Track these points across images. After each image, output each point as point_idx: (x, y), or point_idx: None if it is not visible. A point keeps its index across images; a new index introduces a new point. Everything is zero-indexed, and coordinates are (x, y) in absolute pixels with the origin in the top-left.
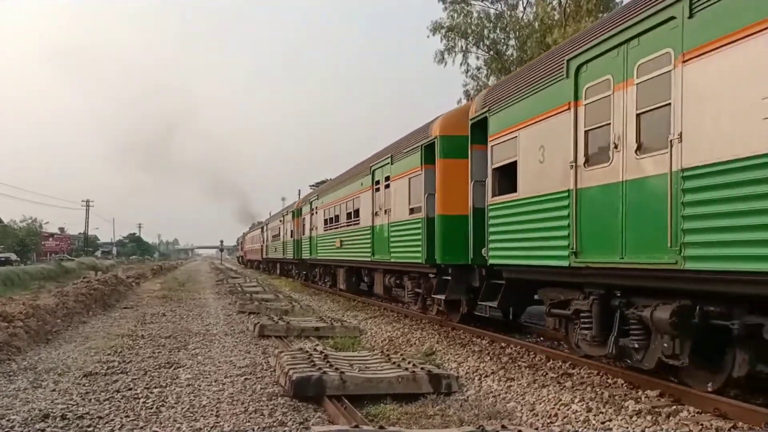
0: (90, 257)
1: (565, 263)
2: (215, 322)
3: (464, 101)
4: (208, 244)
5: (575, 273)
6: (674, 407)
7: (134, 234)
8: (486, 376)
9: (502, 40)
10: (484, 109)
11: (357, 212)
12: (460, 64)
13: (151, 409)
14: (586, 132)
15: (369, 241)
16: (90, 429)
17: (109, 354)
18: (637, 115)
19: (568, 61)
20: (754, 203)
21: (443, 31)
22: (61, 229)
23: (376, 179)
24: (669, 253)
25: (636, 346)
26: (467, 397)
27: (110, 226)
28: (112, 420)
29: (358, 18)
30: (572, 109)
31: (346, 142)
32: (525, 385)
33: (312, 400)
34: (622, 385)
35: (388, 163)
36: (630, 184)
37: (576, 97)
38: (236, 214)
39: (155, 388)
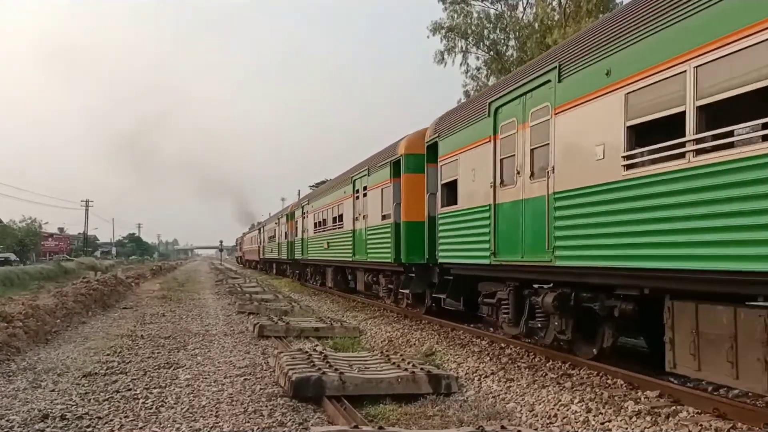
0: (89, 257)
1: (487, 261)
2: (215, 322)
3: (464, 101)
4: (207, 244)
5: (494, 269)
6: (674, 408)
7: (134, 234)
8: (485, 376)
9: (502, 41)
10: (436, 135)
11: (341, 217)
12: (460, 65)
13: (151, 409)
14: (501, 160)
15: (351, 243)
16: (89, 429)
17: (108, 354)
18: (531, 150)
19: (489, 103)
20: (592, 219)
21: (443, 31)
22: (61, 230)
23: (356, 188)
24: (547, 254)
25: (539, 326)
26: (467, 398)
27: (110, 227)
28: (112, 420)
29: (358, 17)
30: (492, 142)
31: (347, 142)
32: (524, 385)
33: (311, 401)
34: (621, 385)
35: (366, 174)
36: (527, 201)
37: (495, 132)
38: (236, 214)
39: (155, 388)
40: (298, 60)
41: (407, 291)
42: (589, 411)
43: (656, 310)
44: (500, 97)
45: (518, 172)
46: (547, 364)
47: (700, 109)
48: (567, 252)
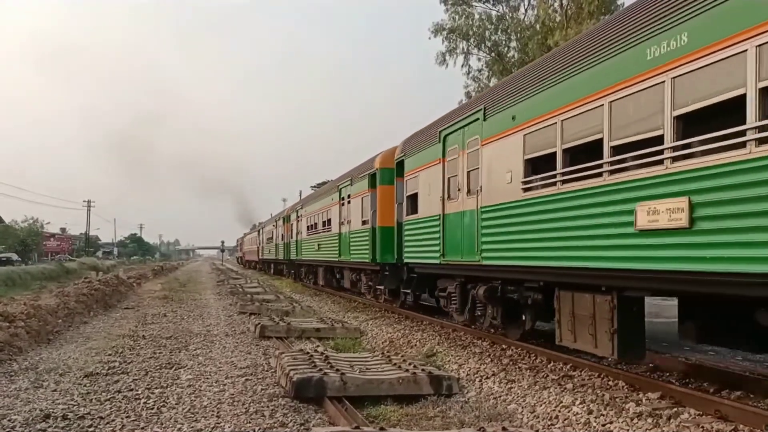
0: (91, 257)
1: (438, 261)
2: (216, 322)
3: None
4: (209, 244)
5: (443, 267)
6: (675, 409)
7: (135, 234)
8: (487, 377)
9: (504, 42)
10: (402, 154)
11: (329, 221)
12: (462, 66)
13: (152, 409)
14: (448, 178)
15: (337, 244)
16: (91, 429)
17: (110, 354)
18: (467, 172)
19: (439, 131)
20: (505, 228)
21: (445, 32)
22: (63, 230)
23: (342, 196)
24: (477, 255)
25: (478, 314)
26: (468, 399)
27: (111, 227)
28: (113, 420)
29: (358, 17)
30: (441, 163)
31: (348, 141)
32: (526, 387)
33: (313, 401)
34: (623, 387)
35: (349, 184)
36: (464, 213)
37: (443, 156)
38: (237, 216)
39: (156, 388)
40: (298, 60)
41: (382, 287)
42: (590, 412)
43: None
44: (448, 127)
45: (459, 189)
46: (549, 366)
47: (565, 151)
48: (490, 254)
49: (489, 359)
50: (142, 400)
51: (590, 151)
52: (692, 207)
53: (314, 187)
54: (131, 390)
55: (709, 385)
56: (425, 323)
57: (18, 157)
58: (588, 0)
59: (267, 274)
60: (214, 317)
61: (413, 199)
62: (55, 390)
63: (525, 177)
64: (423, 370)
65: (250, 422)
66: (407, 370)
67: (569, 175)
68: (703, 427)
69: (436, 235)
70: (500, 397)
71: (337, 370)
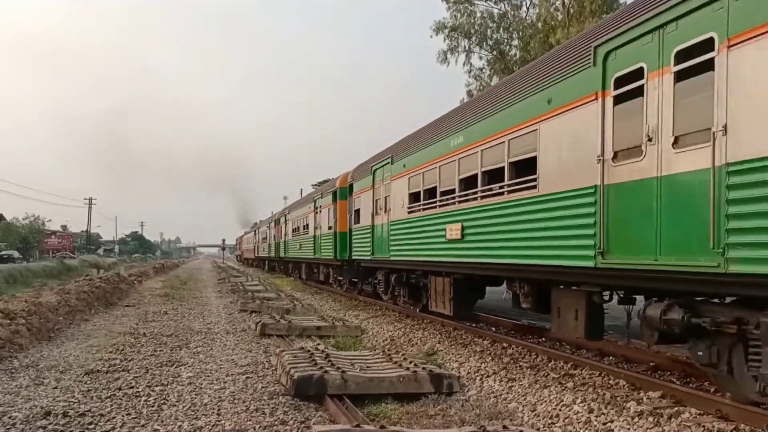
0: (92, 255)
1: (369, 257)
2: (217, 320)
3: (467, 100)
4: (210, 242)
5: (372, 262)
6: (676, 408)
7: (136, 232)
8: (487, 376)
9: (506, 40)
10: (352, 179)
11: (308, 225)
12: (463, 64)
13: (153, 407)
14: (375, 200)
15: (313, 245)
16: (91, 426)
17: (110, 352)
18: (385, 197)
19: (371, 167)
20: (402, 235)
21: (446, 30)
22: (64, 227)
23: (316, 205)
24: (388, 253)
25: (396, 294)
26: (468, 397)
27: (113, 225)
28: (114, 418)
29: (361, 17)
30: (372, 189)
31: (348, 140)
32: (526, 385)
33: (313, 399)
34: (623, 386)
35: (320, 197)
36: (384, 224)
37: (373, 184)
38: (236, 217)
39: (157, 386)
40: (300, 60)
41: (340, 278)
42: (591, 411)
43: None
44: (376, 164)
45: (380, 208)
46: (549, 364)
47: (423, 191)
48: (395, 252)
49: (490, 358)
50: (143, 398)
51: (431, 193)
52: (463, 228)
53: (315, 185)
54: (132, 387)
55: (710, 385)
56: (426, 322)
57: (19, 154)
58: None
59: (264, 271)
60: (214, 315)
61: (357, 212)
62: (55, 387)
63: (409, 204)
64: (424, 368)
65: (250, 420)
66: (408, 369)
67: (423, 206)
68: (704, 426)
69: (368, 239)
70: (501, 395)
71: (338, 368)
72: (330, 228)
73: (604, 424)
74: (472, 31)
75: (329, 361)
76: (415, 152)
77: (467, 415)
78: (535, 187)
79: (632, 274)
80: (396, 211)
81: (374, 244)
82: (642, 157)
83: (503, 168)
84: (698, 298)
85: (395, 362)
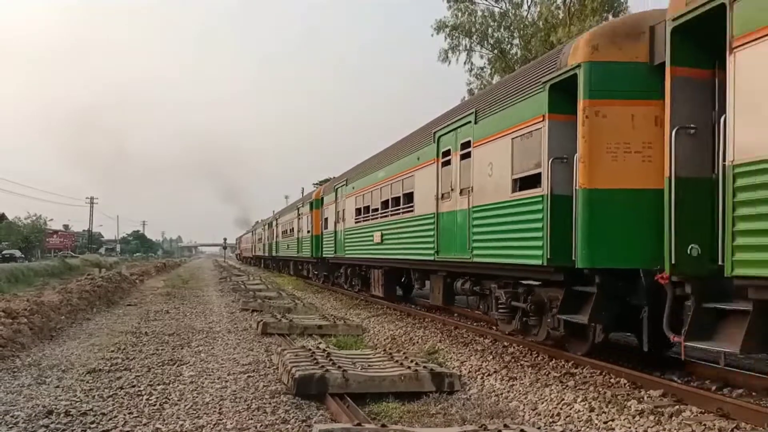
0: (94, 254)
1: (333, 255)
2: (218, 319)
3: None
4: (211, 241)
5: (335, 258)
6: (677, 407)
7: (138, 231)
8: (488, 375)
9: (507, 39)
10: (322, 194)
11: (293, 230)
12: (464, 63)
13: (155, 406)
14: (336, 211)
15: (297, 245)
16: (93, 425)
17: (112, 351)
18: (343, 210)
19: (333, 186)
20: (350, 239)
21: (447, 29)
22: (66, 226)
23: (300, 213)
24: (343, 252)
25: (353, 283)
26: (469, 396)
27: (114, 224)
28: (116, 417)
29: (361, 17)
30: (334, 203)
31: (349, 140)
32: (527, 384)
33: (315, 398)
34: (624, 384)
35: (302, 206)
36: (340, 230)
37: (336, 199)
38: (235, 219)
39: (158, 385)
40: (301, 60)
41: (317, 272)
42: (592, 410)
43: (396, 273)
44: (338, 183)
45: (341, 218)
46: (550, 363)
47: (364, 208)
48: (349, 252)
49: (491, 356)
50: (145, 397)
51: (366, 209)
52: (382, 235)
53: (316, 184)
54: (134, 386)
55: (710, 383)
56: (427, 320)
57: (22, 152)
58: None
59: (260, 268)
60: (216, 314)
61: (326, 220)
62: (57, 386)
63: (355, 216)
64: (425, 367)
65: (252, 419)
66: (409, 367)
67: (363, 218)
68: (704, 424)
69: (332, 241)
70: (502, 394)
71: (339, 367)
72: (309, 232)
73: (605, 422)
74: (473, 30)
75: (330, 359)
76: (359, 178)
77: (468, 414)
78: (413, 210)
79: (451, 264)
80: (348, 221)
81: (336, 245)
82: (451, 199)
83: (400, 197)
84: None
85: (396, 361)
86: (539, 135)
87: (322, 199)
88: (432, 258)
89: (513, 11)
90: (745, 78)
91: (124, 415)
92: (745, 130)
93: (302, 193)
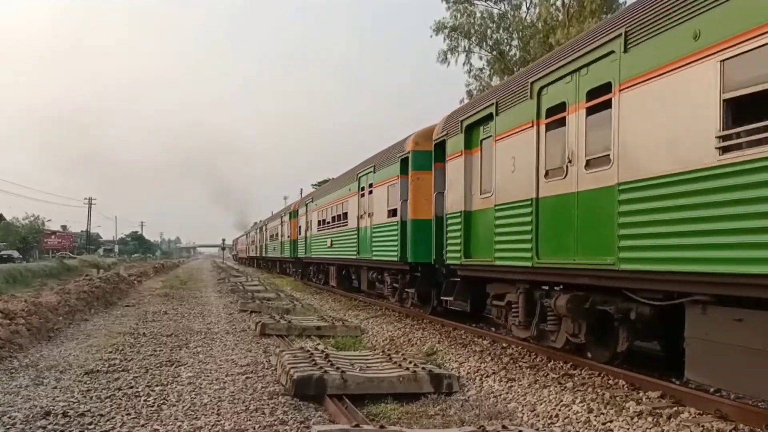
0: (92, 255)
1: (305, 255)
2: (216, 320)
3: (467, 100)
4: (209, 242)
5: (307, 258)
6: (675, 408)
7: (136, 232)
8: (487, 376)
9: (505, 41)
10: (297, 207)
11: (278, 234)
12: (463, 64)
13: (153, 407)
14: (307, 221)
15: (281, 247)
16: (91, 426)
17: (110, 352)
18: (310, 220)
19: (304, 201)
20: (316, 242)
21: (446, 31)
22: (64, 227)
23: (282, 220)
24: (300, 252)
25: (319, 278)
26: (468, 397)
27: (112, 224)
28: (113, 418)
29: (361, 17)
30: (306, 214)
31: (351, 140)
32: (526, 385)
33: (313, 399)
34: (623, 386)
35: (284, 215)
36: (307, 237)
37: (306, 212)
38: (234, 222)
39: (156, 386)
40: (303, 59)
41: (296, 269)
42: (590, 411)
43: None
44: (308, 199)
45: (309, 226)
46: (549, 364)
47: (321, 220)
48: (314, 252)
49: (489, 358)
50: (143, 398)
51: (323, 222)
52: (332, 241)
53: (315, 185)
54: (131, 387)
55: (708, 385)
56: (426, 322)
57: (21, 153)
58: None
59: (252, 267)
60: (214, 315)
61: (300, 227)
62: (55, 387)
63: (317, 226)
64: (423, 368)
65: (250, 420)
66: (408, 369)
67: (320, 228)
68: (703, 426)
69: (304, 244)
70: (500, 395)
71: (338, 368)
72: (289, 236)
73: (604, 423)
74: (472, 31)
75: (329, 361)
76: (320, 197)
77: (467, 415)
78: (347, 224)
79: (363, 260)
80: (313, 228)
81: (306, 247)
82: (363, 219)
83: (341, 214)
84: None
85: (395, 362)
86: (396, 185)
87: (297, 210)
88: (354, 257)
89: (512, 12)
90: (449, 171)
91: (122, 416)
92: (450, 196)
93: (301, 194)
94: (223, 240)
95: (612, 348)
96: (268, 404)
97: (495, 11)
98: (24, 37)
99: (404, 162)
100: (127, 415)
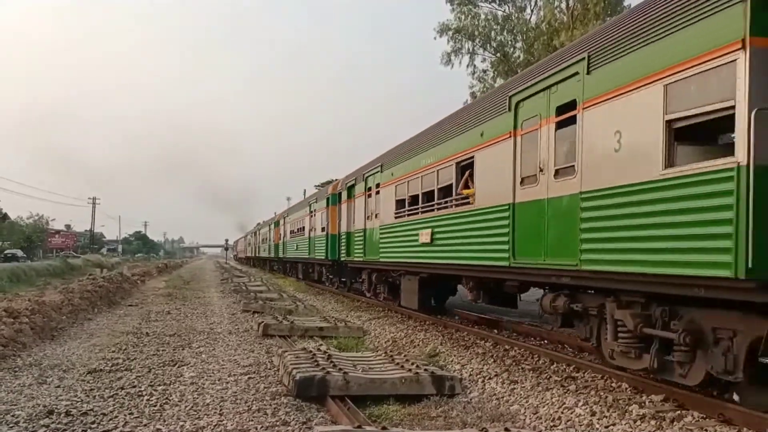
0: (96, 254)
1: (282, 256)
2: (219, 320)
3: (470, 102)
4: (213, 242)
5: (285, 257)
6: (678, 412)
7: (140, 232)
8: (489, 378)
9: (509, 43)
10: (277, 218)
11: (267, 238)
12: (467, 66)
13: (155, 406)
14: (282, 230)
15: (268, 248)
16: (94, 425)
17: (113, 351)
18: (284, 228)
19: (281, 215)
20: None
21: (450, 32)
22: (68, 226)
23: (270, 228)
24: (285, 253)
25: (295, 272)
26: (470, 399)
27: (116, 224)
28: (116, 417)
29: (365, 17)
30: (283, 225)
31: (352, 141)
32: (528, 387)
33: (315, 400)
34: (626, 389)
35: (271, 223)
36: (284, 242)
37: (284, 223)
38: (235, 225)
39: (159, 385)
40: (304, 61)
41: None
42: (593, 414)
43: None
44: (284, 214)
45: (284, 233)
46: (552, 367)
47: (290, 231)
48: (289, 253)
49: (492, 360)
50: (145, 397)
51: (293, 232)
52: (297, 246)
53: (318, 186)
54: (134, 387)
55: (712, 389)
56: (428, 323)
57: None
58: (594, 1)
59: (249, 266)
60: (217, 315)
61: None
62: (58, 386)
63: (290, 234)
64: (426, 370)
65: (252, 420)
66: (410, 370)
67: (291, 236)
68: (706, 430)
69: (280, 247)
70: (503, 397)
71: (340, 369)
72: (272, 240)
73: (607, 427)
74: (476, 32)
75: (331, 362)
76: (287, 215)
77: (469, 417)
78: (304, 234)
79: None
80: (286, 235)
81: (283, 249)
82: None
83: (301, 227)
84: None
85: (397, 364)
86: (327, 212)
87: (340, 194)
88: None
89: (516, 15)
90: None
91: (125, 415)
92: (356, 222)
93: (304, 194)
94: (227, 240)
95: None
96: (270, 405)
97: (499, 13)
98: (14, 32)
99: (328, 199)
100: (129, 414)
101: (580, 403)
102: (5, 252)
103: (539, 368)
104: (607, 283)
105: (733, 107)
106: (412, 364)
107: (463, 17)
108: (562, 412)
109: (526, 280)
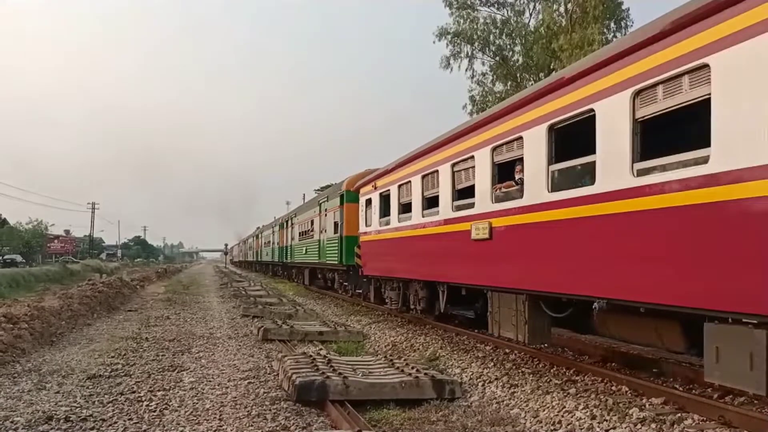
0: (95, 259)
1: (270, 260)
2: (219, 325)
3: (470, 106)
4: (212, 247)
5: (270, 262)
6: (679, 415)
7: (139, 237)
8: (490, 382)
9: (508, 46)
10: (279, 222)
11: (269, 242)
12: (466, 70)
13: (155, 412)
14: (265, 240)
15: (271, 253)
16: (93, 431)
17: (113, 356)
18: (264, 239)
19: (262, 226)
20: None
21: (449, 36)
22: (67, 232)
23: (269, 231)
24: (277, 256)
25: (285, 273)
26: (471, 403)
27: (115, 229)
28: (116, 422)
29: (363, 24)
30: (267, 234)
31: (353, 146)
32: (529, 391)
33: (315, 405)
34: (626, 392)
35: (273, 227)
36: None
37: (259, 235)
38: (233, 234)
39: (159, 391)
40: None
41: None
42: (593, 417)
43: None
44: (266, 226)
45: (267, 242)
46: (552, 370)
47: (269, 240)
48: (265, 257)
49: (492, 363)
50: (145, 403)
51: (274, 239)
52: (296, 249)
53: (317, 190)
54: (134, 392)
55: (712, 391)
56: (428, 327)
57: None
58: (593, 4)
59: (247, 270)
60: (217, 320)
61: (266, 242)
62: (57, 392)
63: (277, 241)
64: (426, 374)
65: (252, 425)
66: (410, 374)
67: (265, 244)
68: None
69: (266, 252)
70: (503, 401)
71: (340, 373)
72: (276, 244)
73: (607, 430)
74: (475, 36)
75: (331, 366)
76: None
77: (469, 422)
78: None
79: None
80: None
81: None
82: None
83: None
84: None
85: (397, 368)
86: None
87: (263, 232)
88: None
89: (515, 18)
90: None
91: (124, 421)
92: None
93: (303, 199)
94: (226, 245)
95: None
96: (270, 409)
97: (498, 17)
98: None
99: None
100: (129, 419)
101: (581, 407)
102: (4, 257)
103: (539, 372)
104: None
105: None
106: (412, 368)
107: (462, 21)
108: (563, 416)
109: None
